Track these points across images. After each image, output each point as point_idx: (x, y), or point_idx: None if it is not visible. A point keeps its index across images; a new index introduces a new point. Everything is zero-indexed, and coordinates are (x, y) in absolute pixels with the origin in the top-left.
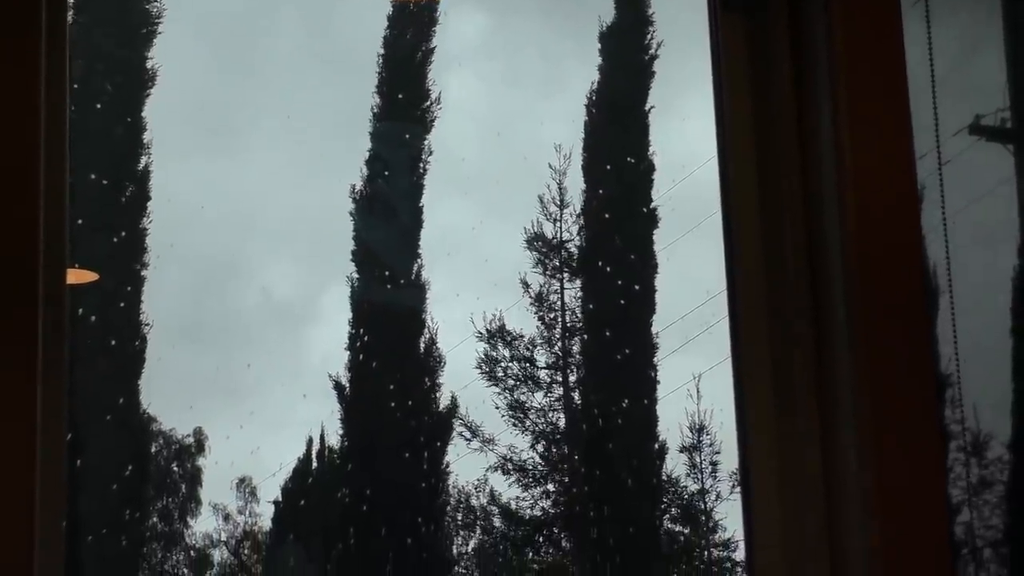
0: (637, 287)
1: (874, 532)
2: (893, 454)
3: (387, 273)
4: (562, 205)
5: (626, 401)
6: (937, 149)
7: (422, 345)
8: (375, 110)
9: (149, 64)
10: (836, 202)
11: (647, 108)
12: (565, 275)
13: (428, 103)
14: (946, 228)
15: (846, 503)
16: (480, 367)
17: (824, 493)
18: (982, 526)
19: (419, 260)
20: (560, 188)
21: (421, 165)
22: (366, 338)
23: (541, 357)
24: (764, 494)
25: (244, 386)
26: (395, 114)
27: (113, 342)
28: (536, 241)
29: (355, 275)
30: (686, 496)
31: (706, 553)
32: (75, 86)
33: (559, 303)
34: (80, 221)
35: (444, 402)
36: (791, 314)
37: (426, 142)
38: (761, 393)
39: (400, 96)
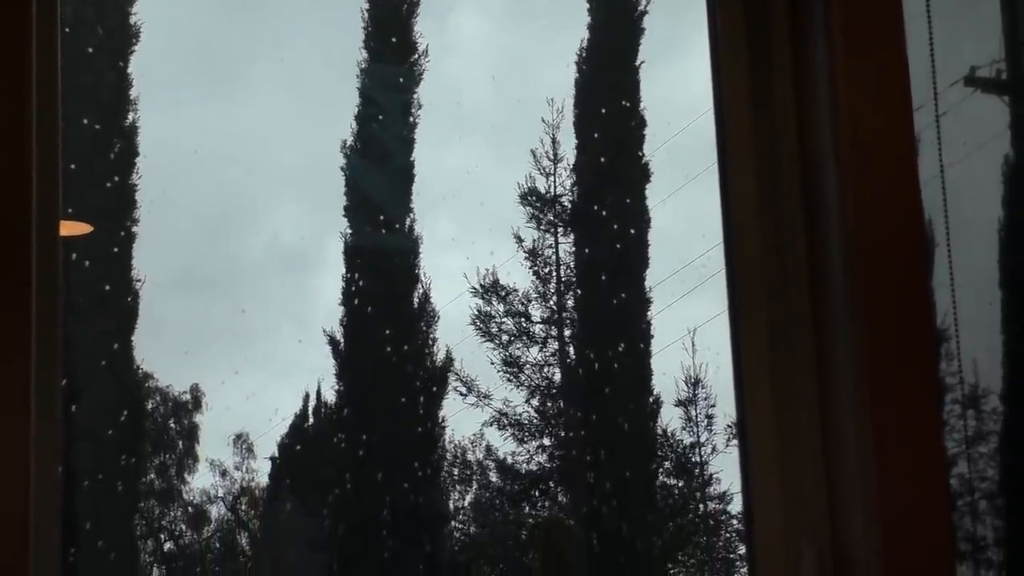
0: (630, 241)
1: (872, 485)
2: (891, 406)
3: (382, 218)
4: (555, 159)
5: (621, 355)
6: (935, 100)
7: (416, 299)
8: (362, 65)
9: (133, 20)
10: (833, 153)
11: (638, 63)
12: (559, 230)
13: (416, 56)
14: (944, 180)
15: (844, 459)
16: (475, 323)
17: (821, 448)
18: (978, 478)
19: (412, 212)
20: (554, 142)
21: (412, 117)
22: (361, 287)
23: (536, 312)
24: (762, 447)
25: (241, 335)
26: (386, 61)
27: (107, 293)
28: (530, 196)
29: (348, 229)
30: (681, 449)
31: (701, 506)
32: (67, 29)
33: (554, 258)
34: (73, 166)
35: (439, 356)
36: (788, 268)
37: (416, 94)
38: (759, 346)
39: (388, 46)
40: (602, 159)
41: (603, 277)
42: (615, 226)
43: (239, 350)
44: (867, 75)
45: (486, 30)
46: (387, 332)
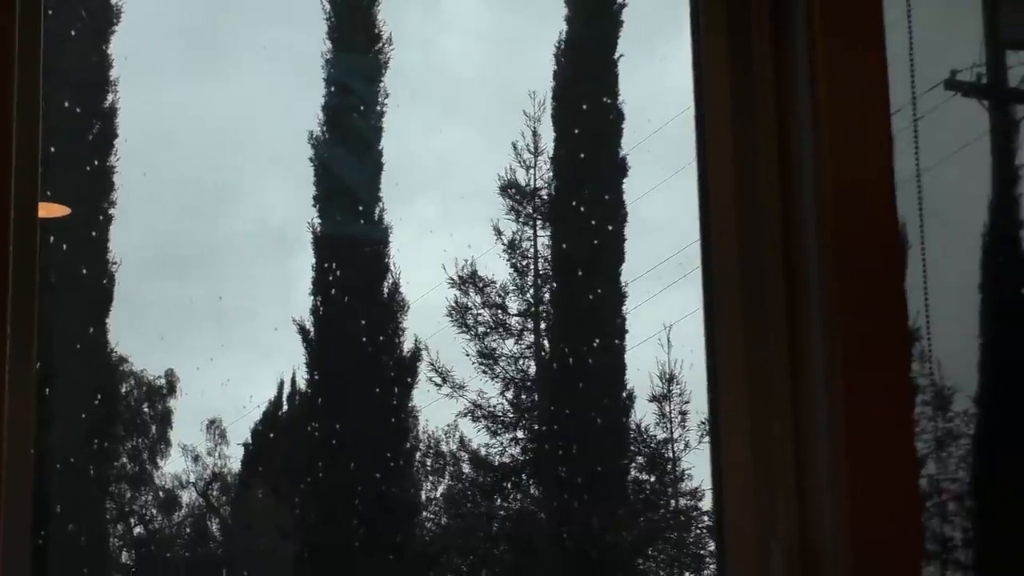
0: (606, 235)
1: (842, 484)
2: (863, 407)
3: (358, 208)
4: (536, 152)
5: (595, 349)
6: (912, 103)
7: (386, 289)
8: (327, 56)
9: (114, 1)
10: (812, 154)
11: (616, 56)
12: (538, 222)
13: (380, 44)
14: (920, 182)
15: (814, 459)
16: (451, 314)
17: (793, 447)
18: (947, 479)
19: (381, 200)
20: (535, 135)
21: (379, 106)
22: (331, 277)
23: (513, 304)
24: (733, 445)
25: (218, 319)
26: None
27: (83, 276)
28: (510, 188)
29: (317, 218)
30: (653, 444)
31: (673, 502)
32: (49, 12)
33: (532, 251)
34: (52, 148)
35: (410, 346)
36: (765, 267)
37: (382, 84)
38: (733, 344)
39: (356, 34)
40: (580, 153)
41: (579, 271)
42: (592, 220)
43: (215, 335)
44: (847, 78)
45: (470, 16)
46: (358, 322)
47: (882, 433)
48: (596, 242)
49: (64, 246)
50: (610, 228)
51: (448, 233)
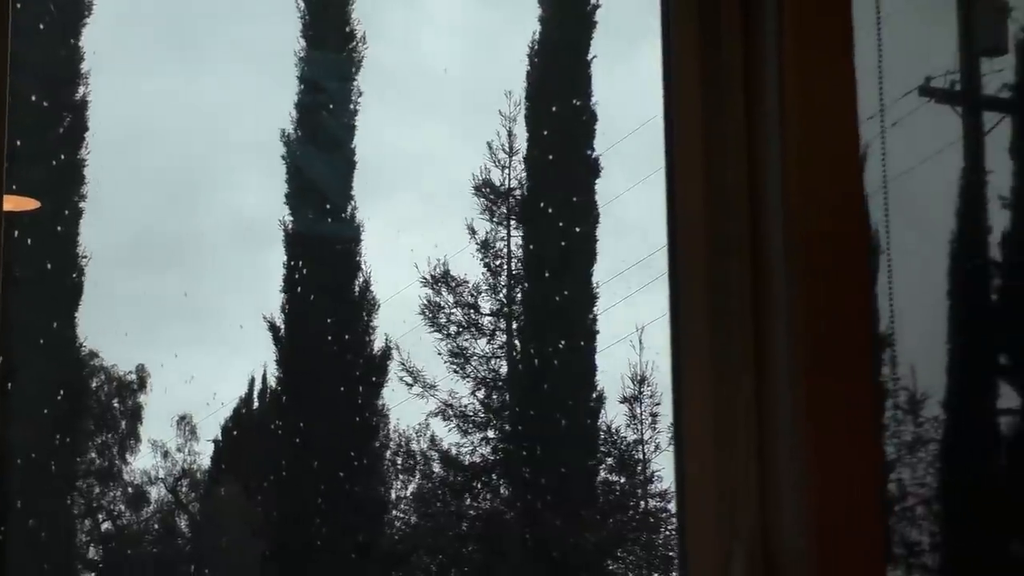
0: (578, 236)
1: (805, 487)
2: (827, 411)
3: (330, 206)
4: (511, 152)
5: (565, 350)
6: (880, 111)
7: (357, 288)
8: (300, 54)
9: None
10: (780, 160)
11: (589, 58)
12: (512, 222)
13: (354, 42)
14: (887, 189)
15: (778, 462)
16: (423, 313)
17: (757, 450)
18: (916, 483)
19: (353, 199)
20: (510, 135)
21: (352, 105)
22: (302, 274)
23: (485, 304)
24: (698, 448)
25: (190, 314)
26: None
27: (50, 270)
28: (484, 188)
29: (289, 216)
30: (624, 446)
31: (642, 503)
32: (18, 5)
33: (505, 250)
34: (18, 142)
35: (380, 345)
36: (731, 273)
37: (355, 83)
38: (698, 348)
39: (330, 33)
40: (552, 154)
41: (550, 272)
42: (564, 221)
43: (187, 331)
44: (816, 84)
45: (447, 15)
46: (328, 320)
47: (845, 436)
48: (568, 243)
49: (29, 240)
50: (582, 229)
51: (421, 232)
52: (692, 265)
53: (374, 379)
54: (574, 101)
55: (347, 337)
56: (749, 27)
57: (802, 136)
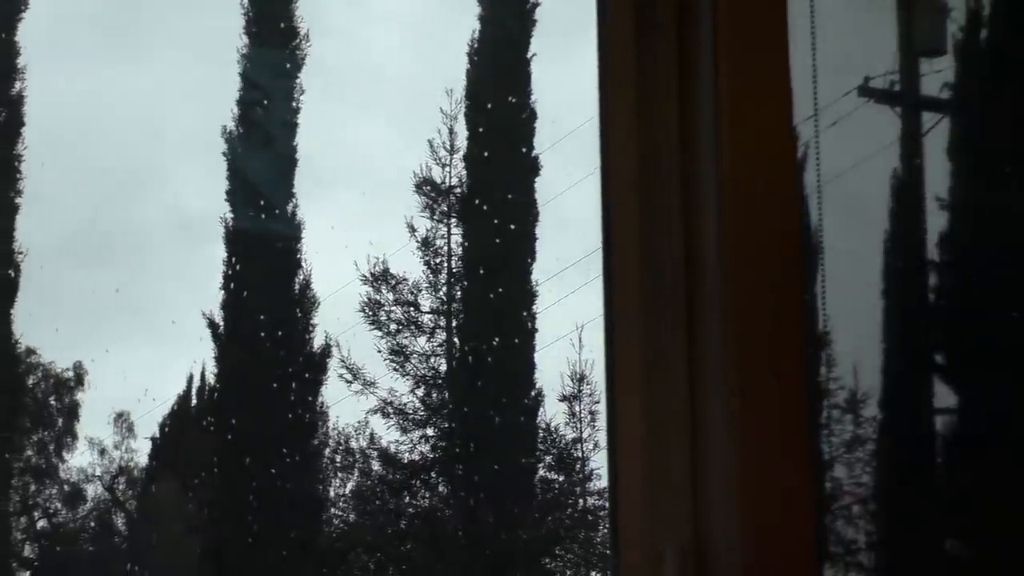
0: (517, 235)
1: (735, 486)
2: (758, 410)
3: (271, 203)
4: (452, 150)
5: (503, 348)
6: (814, 112)
7: (297, 285)
8: (243, 51)
9: None
10: (713, 161)
11: (529, 56)
12: (452, 220)
13: (298, 40)
14: (820, 190)
15: (710, 462)
16: (363, 311)
17: (689, 450)
18: (853, 483)
19: (295, 197)
20: (451, 133)
21: (294, 102)
22: (241, 271)
23: (425, 302)
24: (629, 447)
25: (128, 311)
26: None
27: None
28: (425, 185)
29: (229, 213)
30: (562, 444)
31: (581, 501)
32: None
33: (446, 248)
34: None
35: (320, 343)
36: (665, 275)
37: (299, 80)
38: (630, 349)
39: (272, 30)
40: (492, 152)
41: (489, 270)
42: (503, 219)
43: (124, 328)
44: (752, 84)
45: (390, 13)
46: (268, 317)
47: (778, 436)
48: (507, 241)
49: None
50: (522, 227)
51: (362, 229)
52: (626, 265)
53: (314, 376)
54: (513, 99)
55: (287, 334)
56: (684, 29)
57: (737, 136)
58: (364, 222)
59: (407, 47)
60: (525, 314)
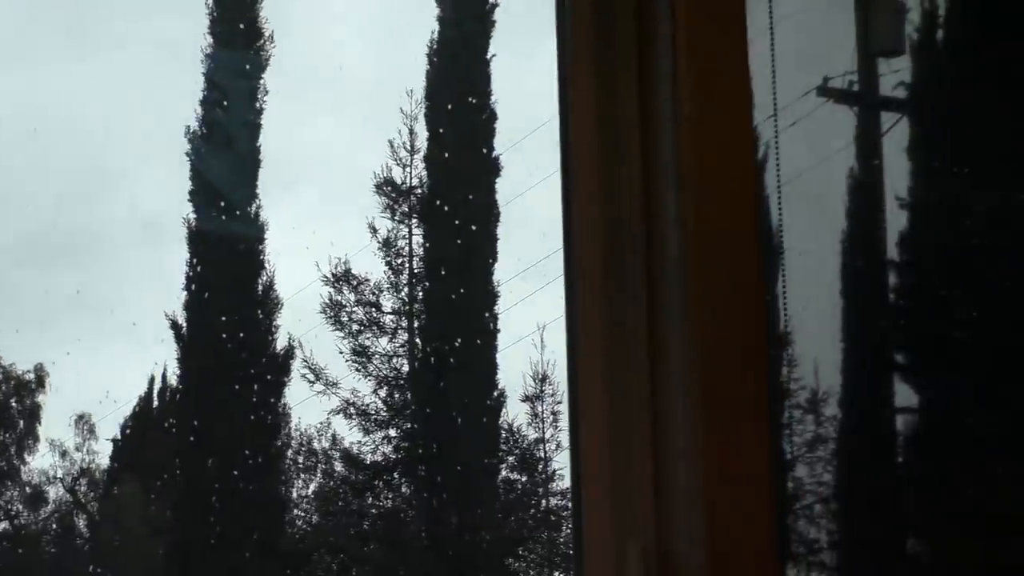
0: (478, 235)
1: (697, 485)
2: (720, 409)
3: (233, 204)
4: (412, 150)
5: (465, 349)
6: (773, 112)
7: (260, 286)
8: (207, 51)
9: None
10: (673, 161)
11: (489, 56)
12: (414, 221)
13: (262, 41)
14: (780, 191)
15: (672, 460)
16: (325, 311)
17: (651, 449)
18: (815, 482)
19: (258, 197)
20: (411, 133)
21: (258, 103)
22: (204, 272)
23: (387, 303)
24: (592, 446)
25: (90, 312)
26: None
27: None
28: (385, 186)
29: (192, 213)
30: (525, 444)
31: (544, 501)
32: None
33: (407, 249)
34: None
35: (282, 344)
36: (627, 273)
37: (262, 80)
38: (593, 350)
39: (236, 31)
40: (452, 152)
41: (451, 271)
42: (464, 220)
43: (86, 329)
44: (711, 84)
45: (352, 15)
46: (231, 318)
47: (739, 436)
48: (469, 242)
49: None
50: (483, 228)
51: (324, 230)
52: (588, 266)
53: (276, 378)
54: (473, 100)
55: (249, 336)
56: (643, 28)
57: (697, 137)
58: (326, 223)
59: (369, 48)
60: (487, 315)
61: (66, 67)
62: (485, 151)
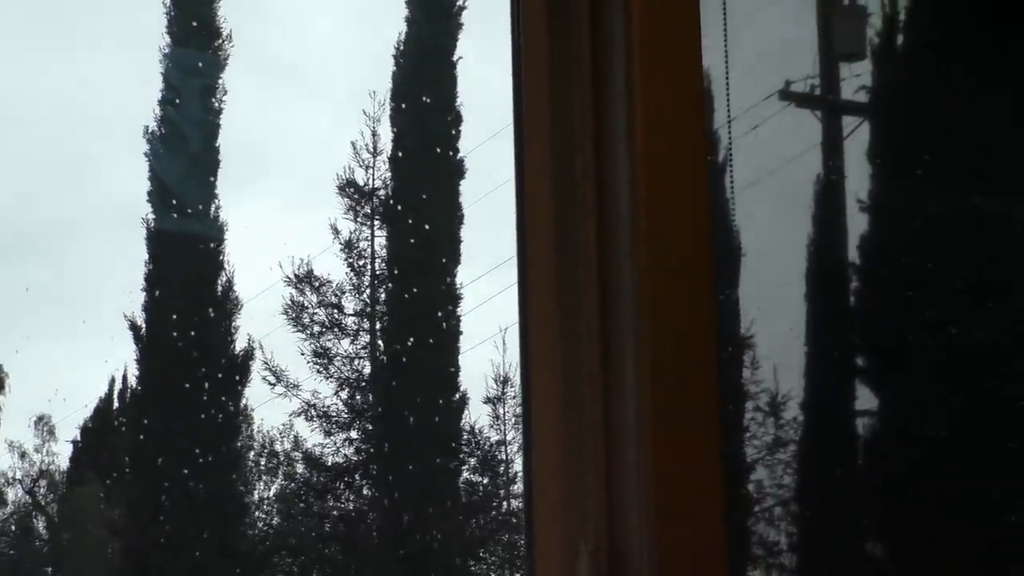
0: (441, 237)
1: (649, 487)
2: (671, 412)
3: (193, 205)
4: (375, 152)
5: (427, 350)
6: (728, 117)
7: (220, 287)
8: (164, 51)
9: None
10: (628, 163)
11: (455, 59)
12: (376, 222)
13: (220, 40)
14: (732, 196)
15: (624, 462)
16: (286, 313)
17: (604, 451)
18: (774, 484)
19: (217, 198)
20: (374, 135)
21: (215, 102)
22: (162, 273)
23: (349, 304)
24: (545, 449)
25: (50, 311)
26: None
27: None
28: (348, 188)
29: (150, 214)
30: (487, 446)
31: (505, 503)
32: None
33: (369, 251)
34: None
35: (241, 344)
36: (579, 276)
37: (221, 80)
38: (545, 348)
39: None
40: (417, 154)
41: (414, 272)
42: (427, 222)
43: (44, 330)
44: (666, 86)
45: (313, 15)
46: (190, 319)
47: (689, 438)
48: (432, 244)
49: None
50: (446, 230)
51: (285, 231)
52: (540, 269)
53: (237, 379)
54: (438, 102)
55: (209, 337)
56: (597, 31)
57: (651, 139)
58: (287, 224)
59: (332, 48)
60: (449, 316)
61: (27, 62)
62: (449, 153)
